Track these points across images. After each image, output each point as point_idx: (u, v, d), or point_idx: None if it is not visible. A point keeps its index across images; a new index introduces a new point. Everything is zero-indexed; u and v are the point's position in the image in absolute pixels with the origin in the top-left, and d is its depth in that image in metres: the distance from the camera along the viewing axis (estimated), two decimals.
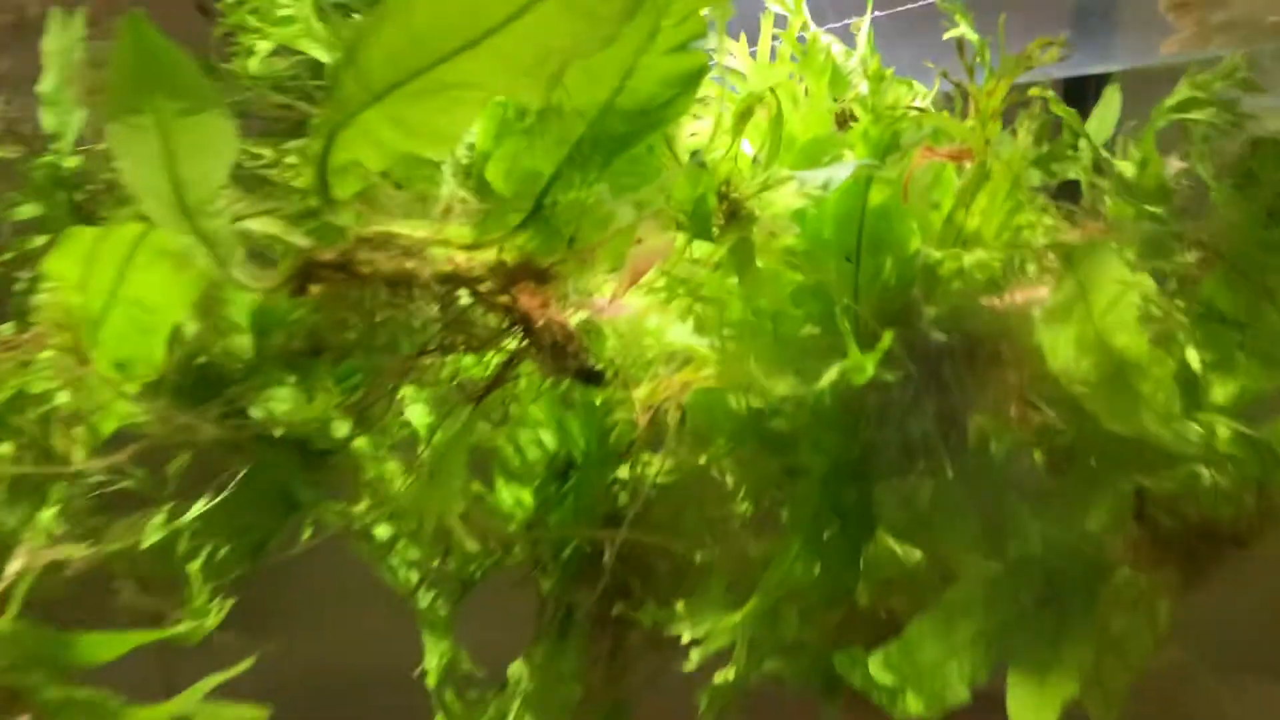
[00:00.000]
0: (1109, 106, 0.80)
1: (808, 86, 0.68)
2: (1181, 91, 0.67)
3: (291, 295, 0.46)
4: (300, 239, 0.46)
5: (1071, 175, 0.72)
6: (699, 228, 0.59)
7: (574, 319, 0.49)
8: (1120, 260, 0.58)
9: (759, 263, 0.60)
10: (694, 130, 0.62)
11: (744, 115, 0.62)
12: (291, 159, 0.53)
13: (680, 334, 0.58)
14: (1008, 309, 0.61)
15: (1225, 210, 0.65)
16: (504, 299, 0.48)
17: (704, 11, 0.49)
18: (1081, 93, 0.86)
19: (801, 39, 0.69)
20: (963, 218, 0.65)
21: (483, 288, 0.48)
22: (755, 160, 0.63)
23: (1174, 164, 0.72)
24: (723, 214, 0.61)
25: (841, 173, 0.56)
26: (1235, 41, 0.64)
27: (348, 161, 0.45)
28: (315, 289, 0.46)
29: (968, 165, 0.63)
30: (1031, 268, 0.64)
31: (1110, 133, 0.81)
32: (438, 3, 0.42)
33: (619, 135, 0.51)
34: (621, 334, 0.57)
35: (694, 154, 0.58)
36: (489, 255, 0.48)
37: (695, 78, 0.51)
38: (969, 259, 0.63)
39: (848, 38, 0.76)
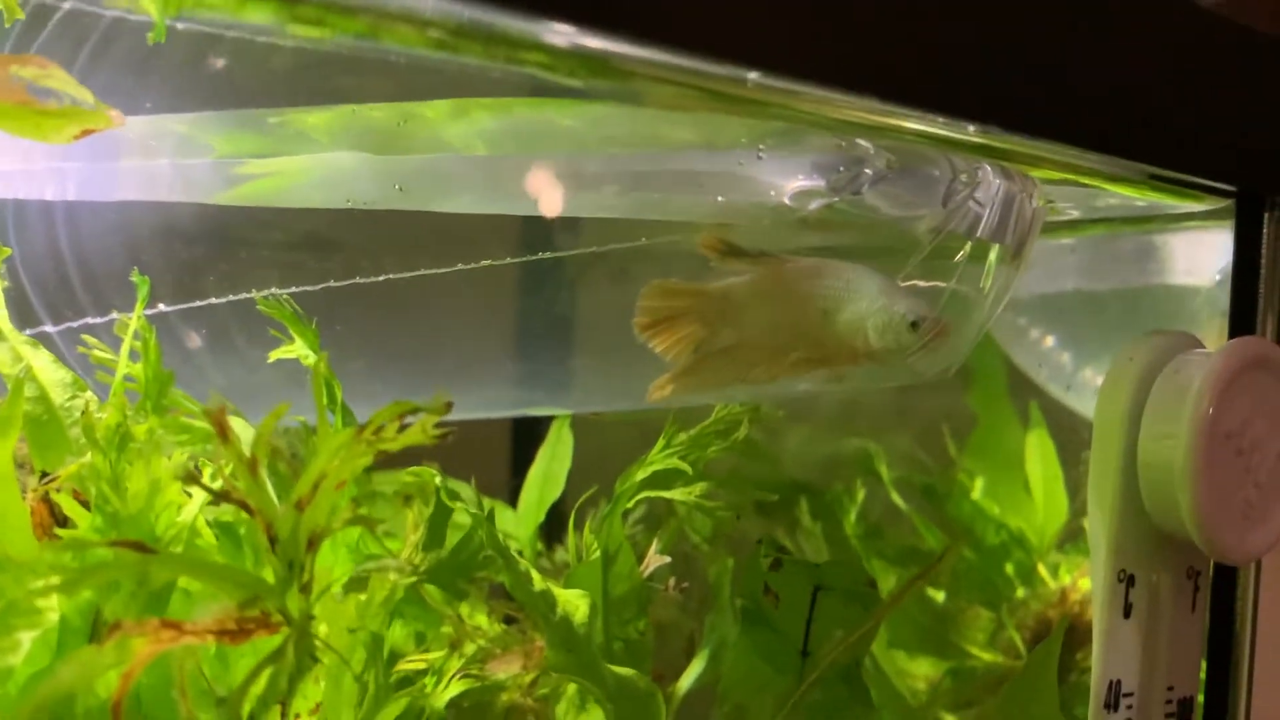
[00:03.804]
0: (559, 448, 0.54)
1: None
2: (655, 458, 0.41)
3: None
4: None
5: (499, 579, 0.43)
6: None
7: None
8: None
9: None
10: None
11: None
12: None
13: None
14: None
15: (738, 661, 0.39)
16: None
17: None
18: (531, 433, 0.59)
19: None
20: None
21: None
22: None
23: (655, 558, 0.45)
24: None
25: None
26: (753, 374, 0.40)
27: None
28: None
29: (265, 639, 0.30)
30: None
31: (561, 486, 0.54)
32: None
33: None
34: None
35: None
36: None
37: None
38: None
39: (113, 342, 0.43)
